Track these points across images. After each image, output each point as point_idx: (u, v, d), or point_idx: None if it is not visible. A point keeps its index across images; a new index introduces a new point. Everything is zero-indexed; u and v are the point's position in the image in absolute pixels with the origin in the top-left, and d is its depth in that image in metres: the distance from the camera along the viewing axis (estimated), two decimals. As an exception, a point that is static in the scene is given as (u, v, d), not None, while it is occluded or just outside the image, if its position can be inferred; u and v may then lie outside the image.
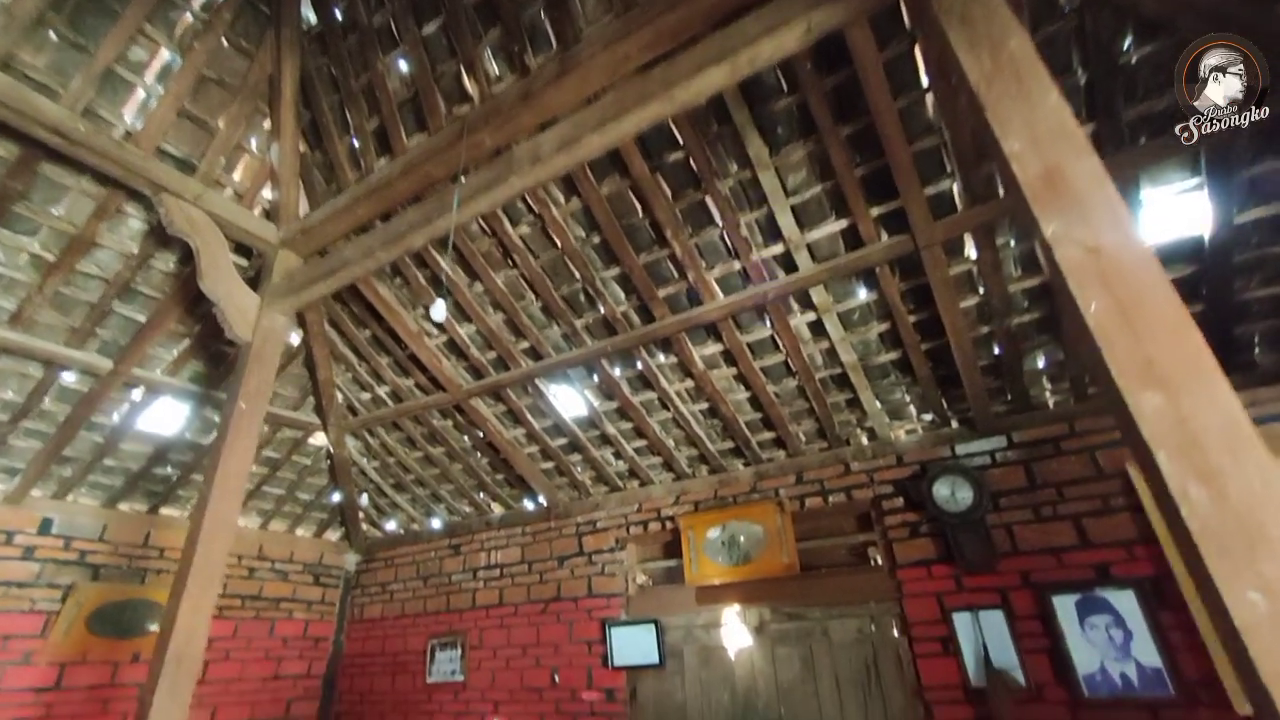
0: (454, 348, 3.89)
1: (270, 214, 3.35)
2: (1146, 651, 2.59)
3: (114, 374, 3.51)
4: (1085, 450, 2.96)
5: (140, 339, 3.47)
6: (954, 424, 3.36)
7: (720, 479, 3.92)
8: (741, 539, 3.64)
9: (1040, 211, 1.21)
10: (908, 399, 3.38)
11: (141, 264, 3.25)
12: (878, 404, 3.38)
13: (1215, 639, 2.46)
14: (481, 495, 4.81)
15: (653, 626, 3.76)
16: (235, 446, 2.80)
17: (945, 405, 3.32)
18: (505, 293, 3.41)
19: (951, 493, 3.09)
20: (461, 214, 2.50)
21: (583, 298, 3.36)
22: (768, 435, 3.71)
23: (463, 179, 2.51)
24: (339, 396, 4.56)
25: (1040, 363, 3.07)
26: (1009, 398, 3.22)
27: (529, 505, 4.67)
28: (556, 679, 4.01)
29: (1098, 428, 2.96)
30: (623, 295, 3.29)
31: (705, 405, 3.64)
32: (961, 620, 2.96)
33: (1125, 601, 2.69)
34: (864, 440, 3.57)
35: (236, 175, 3.23)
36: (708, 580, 3.67)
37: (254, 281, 3.29)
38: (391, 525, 5.37)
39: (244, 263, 3.50)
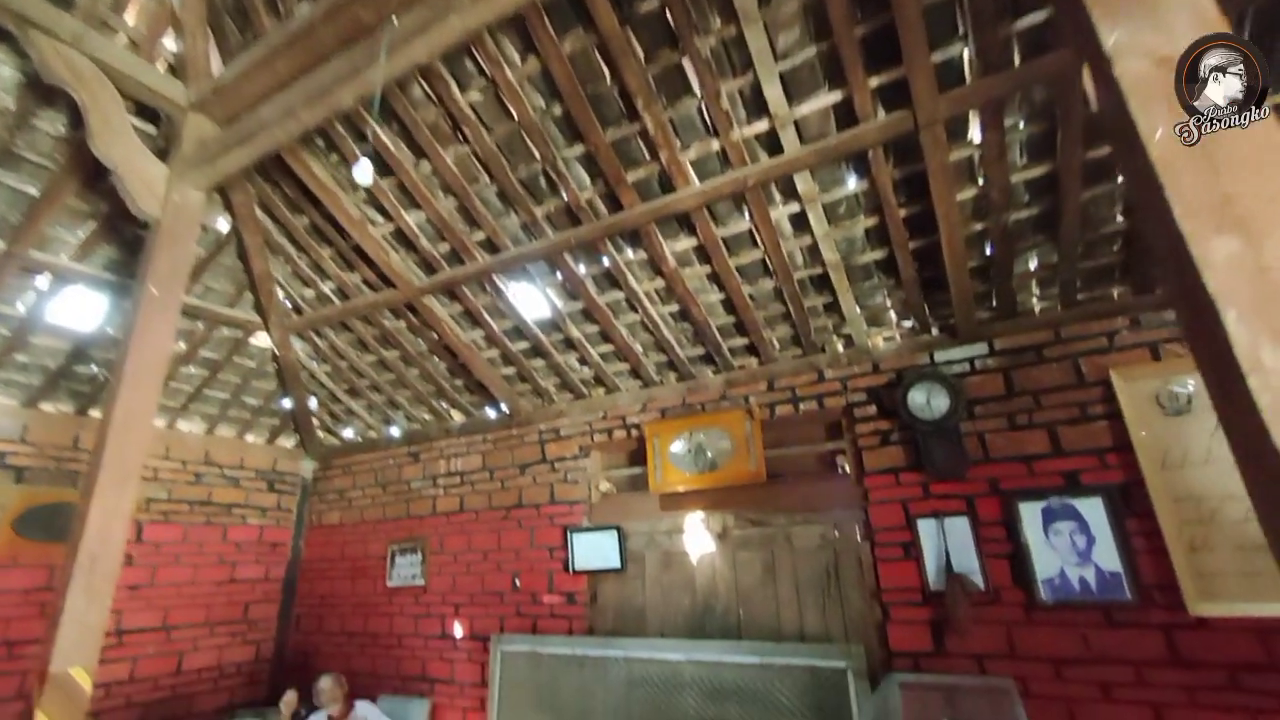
0: (402, 239, 3.53)
1: (177, 70, 2.87)
2: (1107, 557, 2.58)
3: (8, 255, 3.10)
4: (1069, 358, 2.84)
5: (35, 216, 3.04)
6: (934, 331, 3.20)
7: (689, 386, 3.76)
8: (709, 446, 3.53)
9: (1100, 16, 0.95)
10: (888, 304, 3.19)
11: (21, 123, 2.77)
12: (857, 309, 3.19)
13: (1179, 542, 2.45)
14: (441, 403, 4.59)
15: (615, 532, 3.70)
16: (147, 336, 2.50)
17: (927, 311, 3.15)
18: (456, 174, 3.04)
19: (927, 400, 2.98)
20: (395, 63, 2.12)
21: (543, 181, 3.01)
22: (740, 341, 3.53)
23: (394, 19, 2.10)
24: (279, 293, 4.20)
25: (1032, 264, 2.89)
26: (994, 304, 3.05)
27: (490, 413, 4.48)
28: (518, 583, 3.97)
29: (1085, 334, 2.83)
30: (587, 179, 2.96)
31: (675, 307, 3.41)
32: (926, 526, 2.92)
33: (1092, 509, 2.65)
34: (839, 347, 3.41)
35: (129, 18, 2.72)
36: (672, 488, 3.58)
37: (165, 155, 2.86)
38: (349, 433, 5.16)
39: (151, 130, 3.03)
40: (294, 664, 4.81)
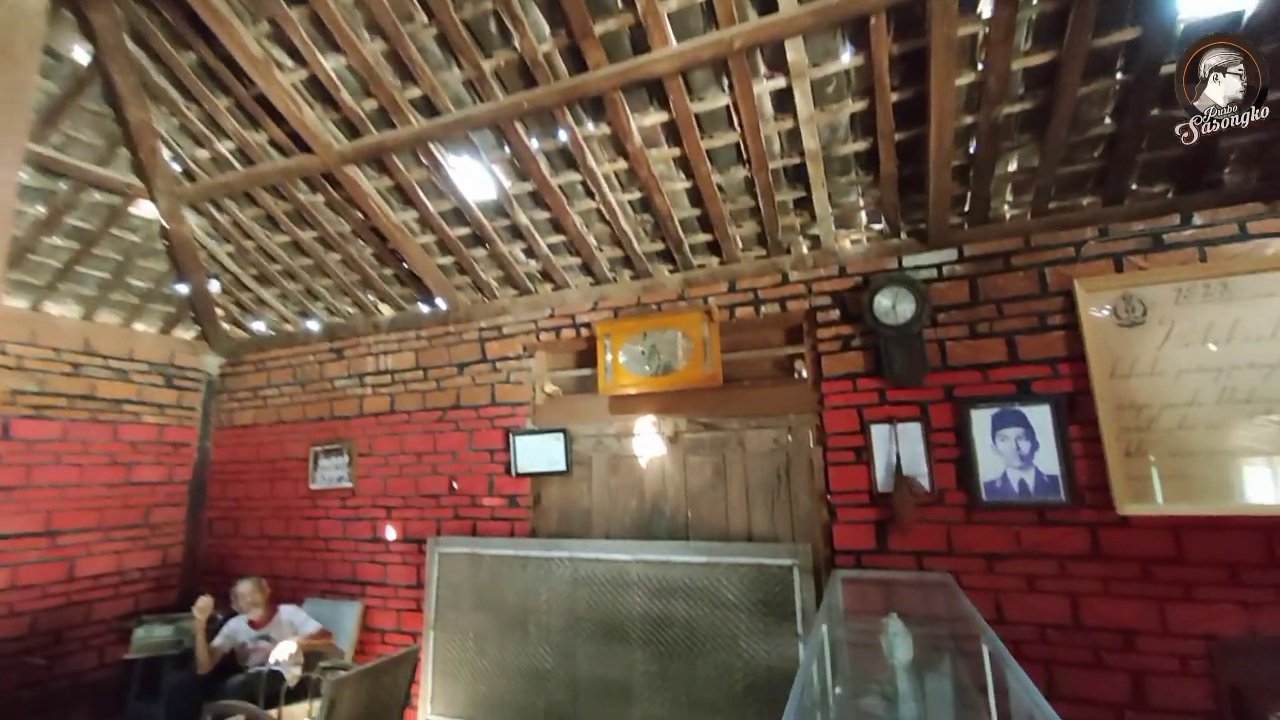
0: (318, 90, 2.98)
1: None
2: (1048, 461, 2.67)
3: None
4: (1035, 266, 2.80)
5: None
6: (903, 235, 3.09)
7: (645, 285, 3.53)
8: (663, 349, 3.36)
9: None
10: (861, 203, 3.03)
11: None
12: (829, 206, 3.01)
13: (1115, 448, 2.55)
14: (368, 295, 4.15)
15: (561, 435, 3.54)
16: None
17: (900, 213, 3.02)
18: (386, 7, 2.52)
19: (893, 305, 2.90)
20: None
21: (494, 25, 2.56)
22: (702, 238, 3.29)
23: None
24: (164, 152, 3.54)
25: (1012, 165, 2.78)
26: (967, 208, 2.95)
27: (424, 308, 4.10)
28: (455, 486, 3.78)
29: (1054, 243, 2.79)
30: (547, 28, 2.53)
31: (637, 194, 3.11)
32: (879, 432, 2.93)
33: (1039, 415, 2.71)
34: (805, 249, 3.25)
35: None
36: (623, 390, 3.42)
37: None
38: (260, 326, 4.64)
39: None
40: (209, 569, 4.51)
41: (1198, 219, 2.60)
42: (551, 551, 3.30)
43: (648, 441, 3.41)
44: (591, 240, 3.40)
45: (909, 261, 3.01)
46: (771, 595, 2.87)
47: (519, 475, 3.61)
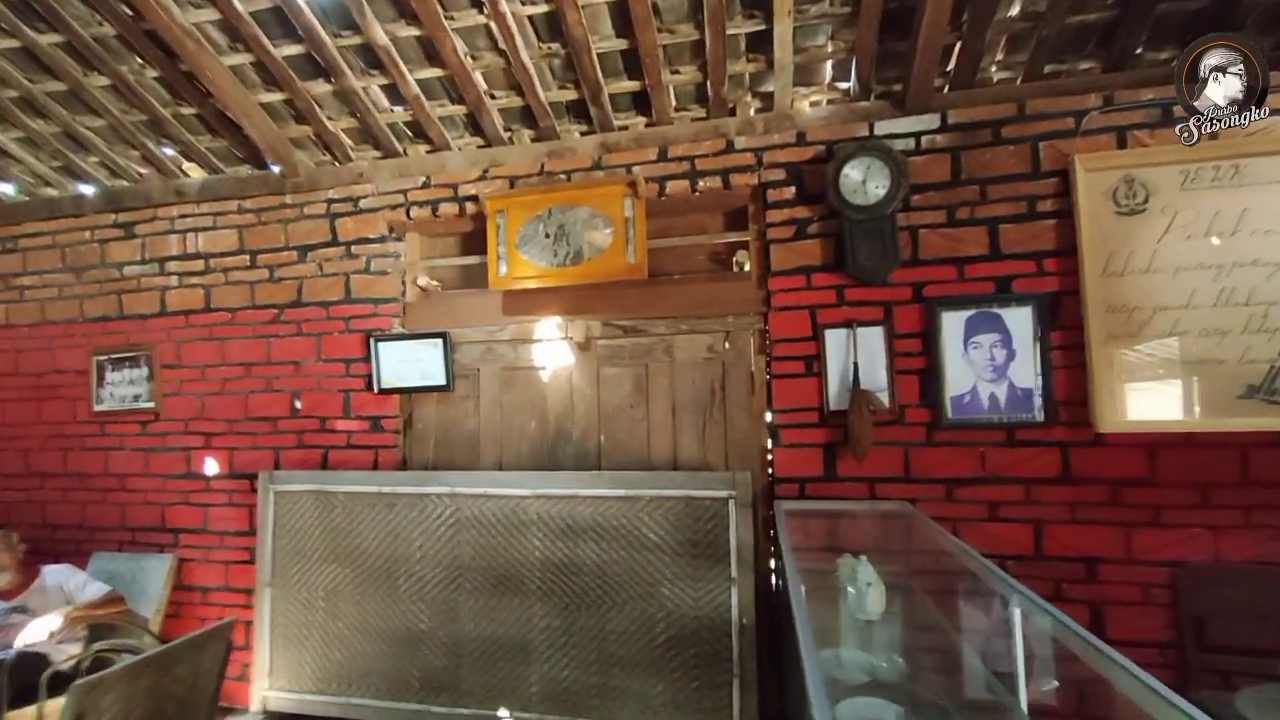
0: None
1: None
2: (1024, 373, 2.28)
3: None
4: (1028, 140, 2.32)
5: None
6: (873, 98, 2.49)
7: (550, 148, 2.73)
8: (574, 231, 2.62)
9: None
10: (830, 47, 2.38)
11: None
12: (791, 49, 2.33)
13: (1101, 357, 2.19)
14: (164, 147, 3.02)
15: (439, 342, 2.76)
16: None
17: (875, 65, 2.41)
18: None
19: (864, 179, 2.33)
20: None
21: None
22: (627, 86, 2.53)
23: None
24: None
25: (1015, 8, 2.23)
26: (953, 65, 2.39)
27: (249, 170, 3.06)
28: (299, 405, 2.93)
29: (1053, 111, 2.30)
30: None
31: (543, 6, 2.26)
32: (834, 338, 2.42)
33: (1019, 319, 2.30)
34: (754, 110, 2.59)
35: None
36: (521, 283, 2.67)
37: None
38: (7, 188, 3.35)
39: None
40: (-47, 517, 3.39)
41: (1214, 89, 2.18)
42: (427, 487, 2.59)
43: (552, 349, 2.73)
44: (480, 80, 2.53)
45: (882, 129, 2.43)
46: (702, 533, 2.36)
47: (384, 392, 2.81)
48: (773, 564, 2.46)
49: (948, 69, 2.41)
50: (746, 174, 2.53)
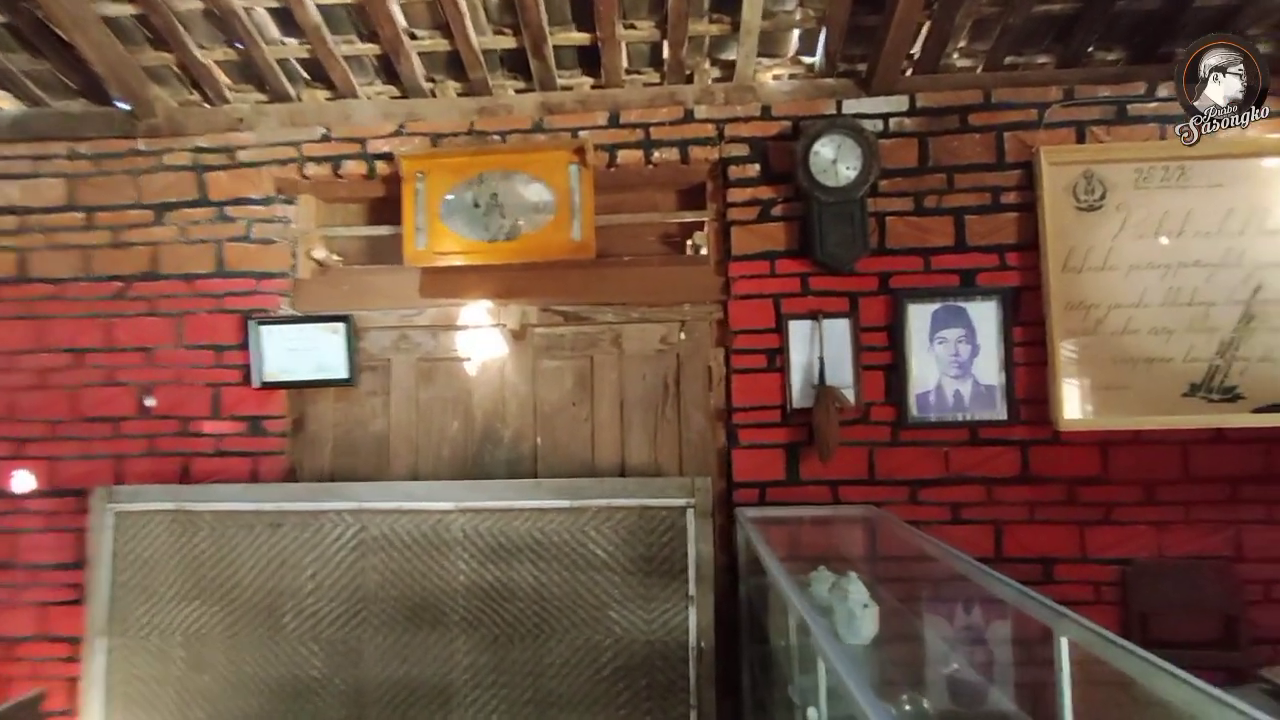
0: None
1: None
2: (987, 369, 2.21)
3: None
4: (994, 129, 2.25)
5: None
6: (838, 76, 2.34)
7: (482, 105, 2.36)
8: (510, 201, 2.27)
9: None
10: (799, 14, 2.19)
11: None
12: (759, 12, 2.12)
13: (1060, 352, 2.15)
14: (-35, 71, 2.33)
15: (341, 327, 2.30)
16: None
17: (843, 41, 2.25)
18: None
19: (835, 158, 2.16)
20: None
21: None
22: (574, 38, 2.21)
23: None
24: None
25: (988, -9, 2.15)
26: (918, 49, 2.29)
27: (84, 105, 2.43)
28: (150, 403, 2.34)
29: (1018, 101, 2.24)
30: None
31: (480, -73, 1.91)
32: (799, 330, 2.23)
33: (984, 313, 2.22)
34: (713, 78, 2.36)
35: None
36: (444, 260, 2.28)
37: None
38: None
39: None
40: None
41: (1162, 90, 2.22)
42: (324, 502, 2.12)
43: (480, 338, 2.35)
44: (398, 14, 2.11)
45: (851, 108, 2.27)
46: (656, 547, 2.08)
47: (266, 386, 2.30)
48: (745, 579, 2.22)
49: (912, 53, 2.30)
50: (706, 147, 2.29)
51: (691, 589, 2.05)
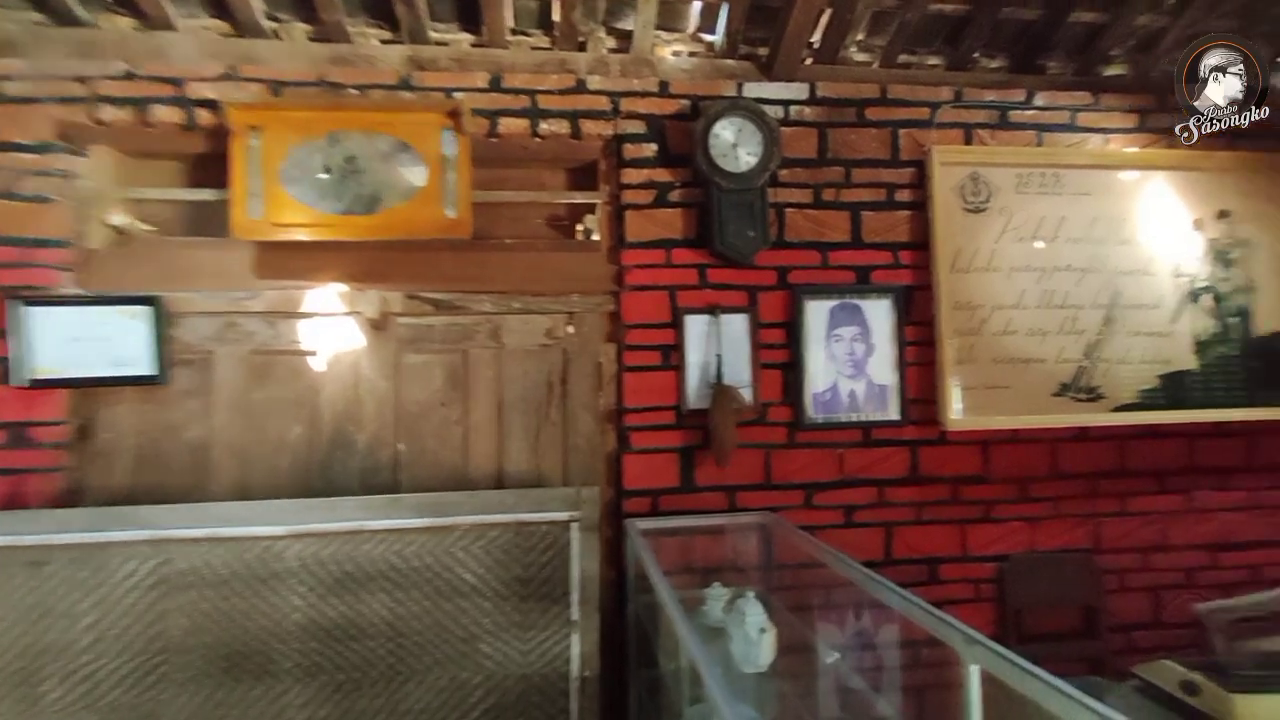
0: None
1: None
2: (881, 368, 2.18)
3: None
4: (889, 126, 2.21)
5: None
6: (739, 58, 2.23)
7: (336, 53, 2.00)
8: (370, 168, 1.94)
9: None
10: (702, -13, 2.04)
11: None
12: (659, -22, 1.95)
13: (949, 353, 2.15)
14: None
15: (147, 311, 1.87)
16: None
17: (745, 21, 2.13)
18: None
19: (735, 142, 2.02)
20: None
21: None
22: (450, -15, 1.93)
23: None
24: None
25: (887, -17, 2.10)
26: (818, 38, 2.21)
27: None
28: None
29: (912, 99, 2.23)
30: None
31: None
32: (696, 325, 2.08)
33: (878, 311, 2.18)
34: (609, 48, 2.16)
35: None
36: (285, 233, 1.91)
37: None
38: None
39: None
40: None
41: (1039, 99, 2.29)
42: (112, 531, 1.67)
43: (331, 328, 1.99)
44: (222, -73, 1.72)
45: (751, 92, 2.15)
46: (535, 568, 1.84)
47: (36, 385, 1.81)
48: (634, 597, 2.02)
49: (813, 41, 2.22)
50: (600, 122, 2.08)
51: (575, 613, 1.83)
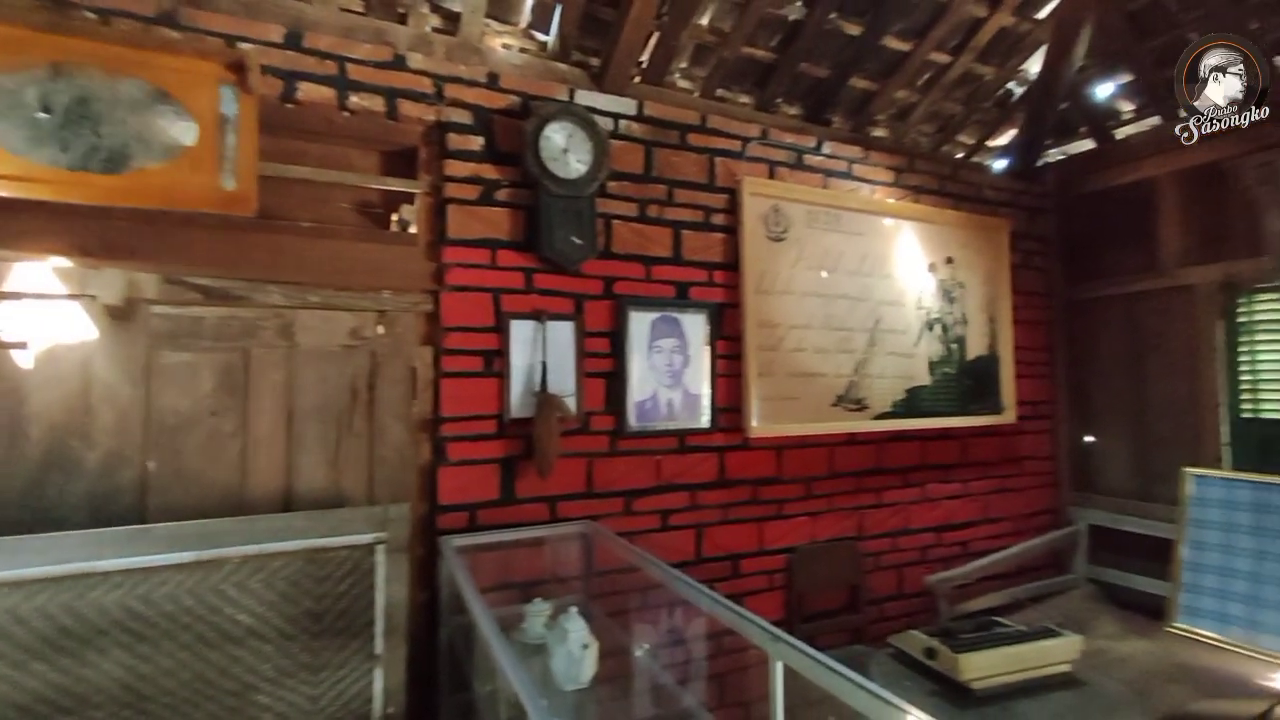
0: None
1: None
2: (696, 379, 2.32)
3: None
4: (707, 152, 2.37)
5: None
6: (571, 63, 2.22)
7: (65, -37, 1.56)
8: (112, 114, 1.54)
9: None
10: (537, -16, 2.00)
11: None
12: (492, -36, 1.86)
13: (753, 366, 2.37)
14: None
15: None
16: None
17: (580, 27, 2.13)
18: None
19: (566, 147, 2.00)
20: None
21: None
22: (238, -85, 1.62)
23: None
24: None
25: (706, 18, 2.26)
26: (647, 58, 2.31)
27: None
28: None
29: (727, 130, 2.41)
30: None
31: None
32: (521, 330, 2.02)
33: (694, 325, 2.33)
34: (433, 26, 2.00)
35: None
36: (-25, 186, 1.43)
37: None
38: None
39: None
40: None
41: (826, 148, 2.64)
42: None
43: (49, 314, 1.54)
44: None
45: (583, 99, 2.15)
46: (331, 599, 1.62)
47: None
48: (448, 620, 1.87)
49: (641, 60, 2.31)
50: (422, 105, 1.91)
51: (378, 646, 1.65)
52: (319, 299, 1.79)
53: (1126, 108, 3.05)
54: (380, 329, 1.87)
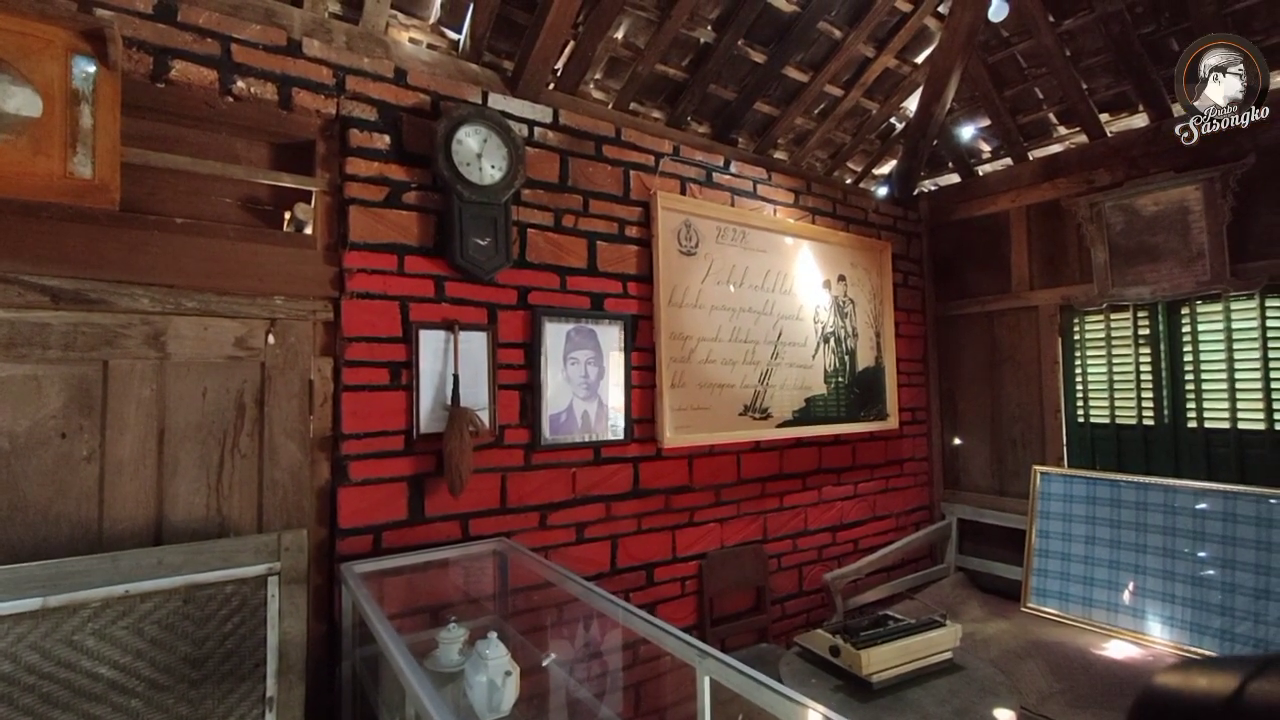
0: None
1: None
2: (612, 390, 2.32)
3: None
4: (622, 165, 2.39)
5: None
6: (483, 65, 2.15)
7: None
8: (-73, 81, 1.28)
9: None
10: (451, -20, 1.92)
11: None
12: (402, -45, 1.76)
13: (666, 378, 2.40)
14: None
15: None
16: None
17: (492, 28, 2.07)
18: None
19: (480, 152, 1.93)
20: None
21: None
22: None
23: None
24: None
25: (621, 30, 2.29)
26: (562, 66, 2.29)
27: None
28: None
29: (641, 145, 2.44)
30: None
31: None
32: (431, 341, 1.92)
33: (609, 337, 2.33)
34: (332, 12, 1.86)
35: None
36: None
37: None
38: None
39: None
40: None
41: (733, 167, 2.75)
42: None
43: None
44: None
45: (496, 103, 2.09)
46: (214, 641, 1.44)
47: None
48: (350, 653, 1.71)
49: (556, 68, 2.28)
50: (319, 97, 1.77)
51: (270, 687, 1.49)
52: (196, 304, 1.59)
53: (985, 148, 3.45)
54: (271, 338, 1.70)
